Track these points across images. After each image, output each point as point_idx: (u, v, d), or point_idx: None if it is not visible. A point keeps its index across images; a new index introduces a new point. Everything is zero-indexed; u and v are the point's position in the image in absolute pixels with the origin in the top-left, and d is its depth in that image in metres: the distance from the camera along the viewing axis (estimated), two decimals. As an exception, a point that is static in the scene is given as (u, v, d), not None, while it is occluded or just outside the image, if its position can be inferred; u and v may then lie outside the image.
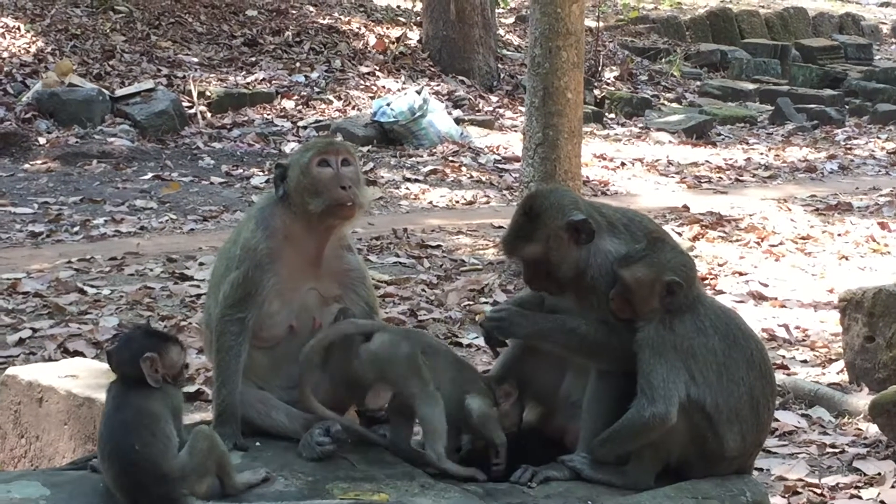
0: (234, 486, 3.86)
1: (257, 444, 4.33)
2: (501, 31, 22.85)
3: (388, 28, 21.16)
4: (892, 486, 6.13)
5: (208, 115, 16.93)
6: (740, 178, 16.52)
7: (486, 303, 9.30)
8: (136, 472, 3.70)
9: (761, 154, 18.30)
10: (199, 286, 9.44)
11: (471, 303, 9.41)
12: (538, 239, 4.26)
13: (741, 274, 10.72)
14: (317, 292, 4.48)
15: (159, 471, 3.70)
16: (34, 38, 17.88)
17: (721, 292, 9.79)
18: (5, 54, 17.29)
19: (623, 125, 20.01)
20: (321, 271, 4.48)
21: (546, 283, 4.32)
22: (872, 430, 6.82)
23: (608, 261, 4.25)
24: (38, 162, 14.30)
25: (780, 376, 7.15)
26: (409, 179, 14.82)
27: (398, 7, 23.04)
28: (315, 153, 4.44)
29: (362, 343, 4.22)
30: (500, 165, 15.92)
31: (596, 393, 4.24)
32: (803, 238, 12.24)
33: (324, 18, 20.89)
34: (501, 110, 19.27)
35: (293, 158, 4.52)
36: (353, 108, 17.99)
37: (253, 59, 19.03)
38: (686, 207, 13.61)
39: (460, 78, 19.85)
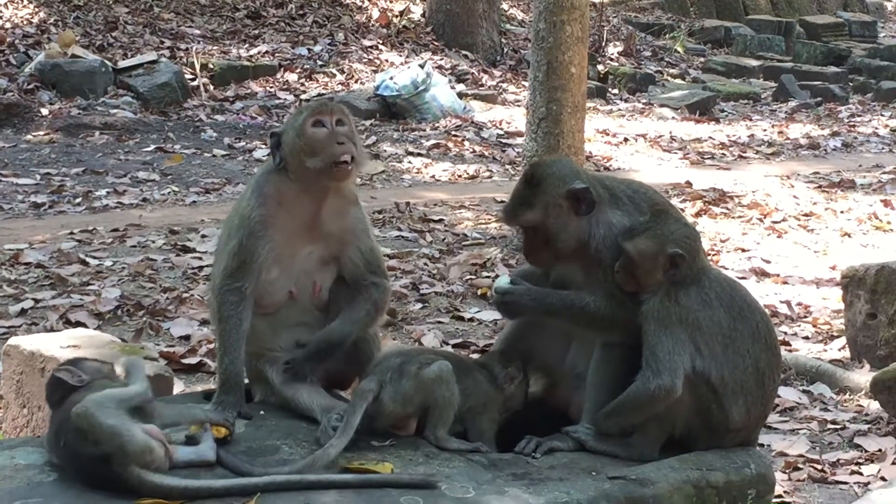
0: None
1: (261, 412, 4.34)
2: (505, 6, 22.77)
3: (391, 1, 21.09)
4: (893, 463, 6.14)
5: (211, 87, 16.90)
6: (743, 154, 16.50)
7: (488, 277, 9.30)
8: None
9: (764, 131, 18.27)
10: (201, 258, 9.44)
11: (473, 277, 9.41)
12: (538, 206, 4.26)
13: (743, 250, 10.73)
14: (317, 255, 4.47)
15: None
16: (37, 9, 17.82)
17: (723, 269, 9.77)
18: (8, 25, 17.24)
19: (626, 101, 19.97)
20: (321, 233, 4.45)
21: (545, 254, 4.31)
22: (874, 406, 6.84)
23: (612, 232, 4.25)
24: (41, 133, 14.28)
25: (781, 352, 7.16)
26: (411, 153, 14.80)
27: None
28: (309, 114, 4.41)
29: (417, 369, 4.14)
30: (502, 140, 15.90)
31: (600, 364, 4.24)
32: (806, 215, 12.24)
33: (327, -9, 20.84)
34: (504, 85, 19.23)
35: (287, 123, 4.49)
36: (356, 81, 17.96)
37: (256, 31, 18.97)
38: (689, 183, 13.60)
39: (463, 52, 19.80)
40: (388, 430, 4.16)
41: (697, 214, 11.94)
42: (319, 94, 16.98)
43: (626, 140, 16.56)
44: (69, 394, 3.90)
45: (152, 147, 14.10)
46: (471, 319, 8.47)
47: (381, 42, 19.52)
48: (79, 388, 3.89)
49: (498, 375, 4.33)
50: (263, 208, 4.39)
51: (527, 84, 11.38)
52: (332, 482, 3.79)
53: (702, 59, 23.95)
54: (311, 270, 4.47)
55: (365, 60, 18.76)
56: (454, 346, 7.77)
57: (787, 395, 7.11)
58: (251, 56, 18.03)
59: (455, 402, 4.15)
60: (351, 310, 4.46)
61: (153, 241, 10.04)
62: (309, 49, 18.68)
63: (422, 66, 16.97)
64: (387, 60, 18.85)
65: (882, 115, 20.20)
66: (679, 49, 24.02)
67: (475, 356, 5.61)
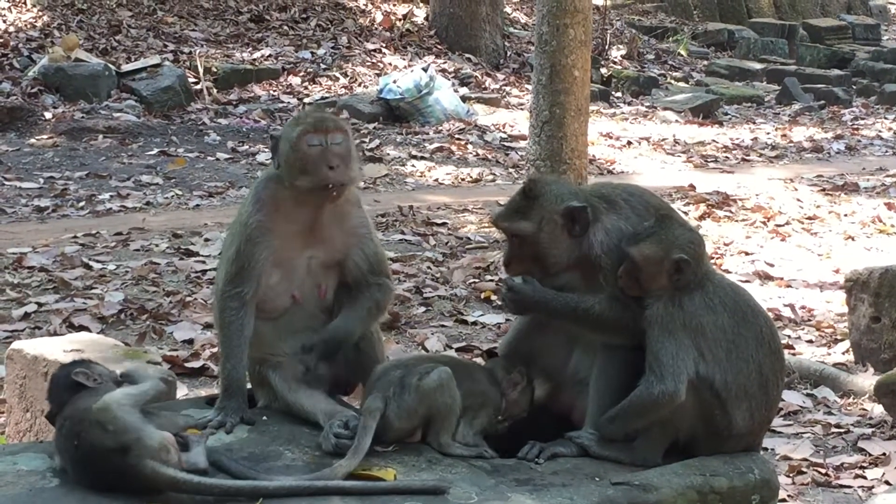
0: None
1: (264, 417, 4.33)
2: (508, 9, 22.79)
3: (394, 5, 21.10)
4: (897, 467, 6.14)
5: (214, 91, 16.91)
6: (747, 157, 16.51)
7: (492, 280, 9.29)
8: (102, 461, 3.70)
9: (768, 134, 18.27)
10: (204, 262, 9.44)
11: (476, 280, 9.40)
12: (532, 218, 4.27)
13: (747, 253, 10.72)
14: (319, 259, 4.43)
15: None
16: (40, 13, 17.84)
17: (727, 272, 9.77)
18: (11, 29, 17.27)
19: (629, 104, 19.98)
20: (321, 237, 4.41)
21: (526, 266, 4.31)
22: (878, 410, 6.84)
23: (610, 238, 4.25)
24: (44, 137, 14.30)
25: (785, 356, 7.16)
26: (414, 157, 14.81)
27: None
28: (304, 129, 4.31)
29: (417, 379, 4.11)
30: (506, 143, 15.91)
31: (603, 370, 4.23)
32: (809, 218, 12.24)
33: (330, -5, 20.85)
34: (508, 88, 19.24)
35: (284, 131, 4.41)
36: (360, 84, 17.96)
37: (259, 35, 18.99)
38: (692, 187, 13.60)
39: (467, 55, 19.80)
40: None
41: (701, 218, 11.94)
42: (323, 98, 16.99)
43: (629, 143, 16.57)
44: (77, 394, 3.89)
45: (155, 151, 14.12)
46: (474, 323, 8.47)
47: (384, 45, 19.52)
48: (90, 389, 3.90)
49: (501, 380, 4.31)
50: (261, 214, 4.36)
51: (530, 87, 11.41)
52: (342, 488, 3.78)
53: (705, 62, 23.96)
54: (315, 274, 4.44)
55: (368, 64, 18.77)
56: (457, 349, 7.77)
57: (791, 398, 7.11)
58: (254, 59, 18.04)
59: (457, 407, 4.14)
60: (352, 307, 4.44)
61: (156, 245, 10.03)
62: (312, 52, 18.69)
63: (425, 70, 16.98)
64: (390, 64, 18.85)
65: (885, 118, 20.20)
66: (682, 52, 24.03)
67: (478, 360, 5.60)
